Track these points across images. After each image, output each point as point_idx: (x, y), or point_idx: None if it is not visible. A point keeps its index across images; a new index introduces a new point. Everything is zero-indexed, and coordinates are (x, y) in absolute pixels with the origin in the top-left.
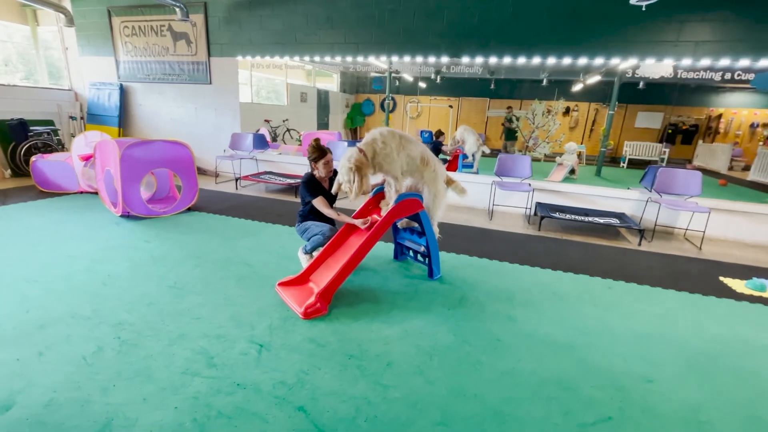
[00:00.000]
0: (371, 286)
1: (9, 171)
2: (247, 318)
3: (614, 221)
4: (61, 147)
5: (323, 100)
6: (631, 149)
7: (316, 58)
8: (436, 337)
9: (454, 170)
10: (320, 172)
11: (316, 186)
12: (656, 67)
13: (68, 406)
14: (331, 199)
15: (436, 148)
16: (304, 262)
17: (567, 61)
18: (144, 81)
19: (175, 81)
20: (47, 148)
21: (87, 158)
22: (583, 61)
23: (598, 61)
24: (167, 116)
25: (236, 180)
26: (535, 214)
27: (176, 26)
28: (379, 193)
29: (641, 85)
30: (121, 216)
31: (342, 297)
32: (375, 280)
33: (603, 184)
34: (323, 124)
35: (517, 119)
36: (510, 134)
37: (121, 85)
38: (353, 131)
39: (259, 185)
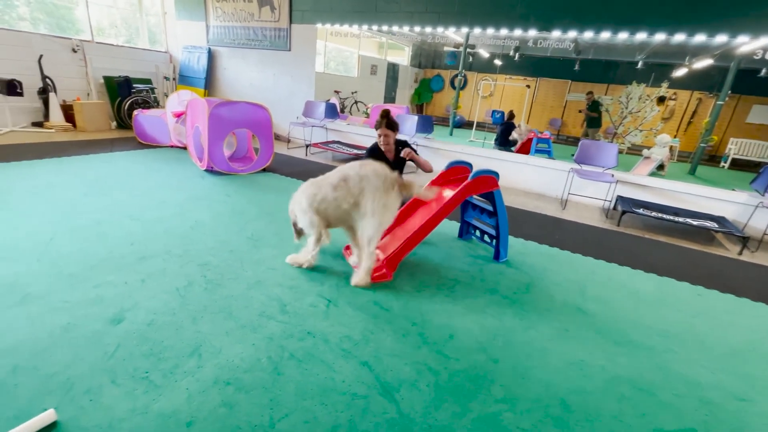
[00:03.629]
0: (434, 261)
1: (115, 123)
2: (316, 274)
3: (711, 225)
4: (156, 104)
5: (393, 74)
6: (737, 147)
7: (395, 28)
8: (501, 318)
9: (526, 154)
10: (380, 142)
11: (375, 156)
12: None
13: (166, 328)
14: None
15: (508, 130)
16: None
17: (679, 37)
18: (229, 46)
19: (257, 47)
20: (146, 104)
21: (179, 115)
22: (700, 38)
23: (719, 39)
24: (247, 81)
25: (306, 146)
26: (615, 208)
27: None
28: (451, 168)
29: (764, 72)
30: (205, 170)
31: (405, 268)
32: (438, 255)
33: (697, 184)
34: (390, 98)
35: (602, 105)
36: (592, 121)
37: (209, 49)
38: (419, 107)
39: (327, 153)
